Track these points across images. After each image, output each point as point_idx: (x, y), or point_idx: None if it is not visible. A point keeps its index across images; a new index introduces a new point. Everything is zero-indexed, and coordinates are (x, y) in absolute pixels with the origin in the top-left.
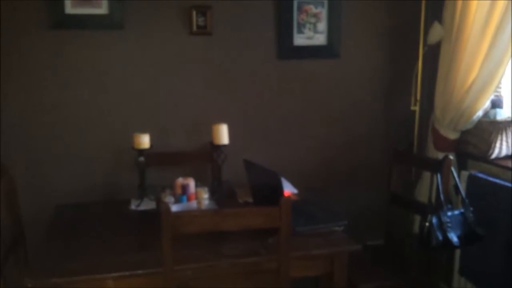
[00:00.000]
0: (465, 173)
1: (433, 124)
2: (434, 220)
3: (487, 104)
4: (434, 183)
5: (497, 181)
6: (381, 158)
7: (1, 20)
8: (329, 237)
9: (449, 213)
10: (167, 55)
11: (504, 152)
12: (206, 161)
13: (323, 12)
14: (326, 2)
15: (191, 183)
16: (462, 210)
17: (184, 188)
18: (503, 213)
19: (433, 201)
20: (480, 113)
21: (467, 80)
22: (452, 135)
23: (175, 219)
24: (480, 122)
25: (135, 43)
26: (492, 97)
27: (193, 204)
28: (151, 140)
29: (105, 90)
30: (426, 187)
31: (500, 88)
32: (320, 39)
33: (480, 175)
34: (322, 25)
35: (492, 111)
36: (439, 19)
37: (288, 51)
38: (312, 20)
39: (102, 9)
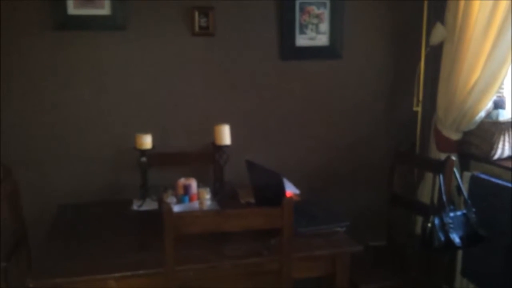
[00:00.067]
0: (467, 174)
1: (436, 124)
2: (436, 221)
3: (489, 105)
4: (436, 184)
5: (500, 182)
6: (383, 158)
7: (1, 20)
8: (331, 238)
9: (451, 214)
10: (169, 55)
11: (506, 153)
12: (208, 161)
13: (325, 13)
14: (328, 3)
15: (193, 183)
16: (464, 211)
17: (186, 188)
18: (506, 214)
19: (435, 202)
20: (482, 114)
21: (470, 81)
22: (455, 136)
23: (177, 219)
24: (482, 123)
25: (137, 44)
26: (494, 98)
27: (195, 204)
28: (152, 140)
29: (105, 90)
30: (429, 188)
31: (503, 89)
32: (322, 40)
33: (483, 176)
34: (324, 26)
35: (495, 112)
36: (442, 20)
37: (290, 52)
38: (315, 21)
39: (104, 10)
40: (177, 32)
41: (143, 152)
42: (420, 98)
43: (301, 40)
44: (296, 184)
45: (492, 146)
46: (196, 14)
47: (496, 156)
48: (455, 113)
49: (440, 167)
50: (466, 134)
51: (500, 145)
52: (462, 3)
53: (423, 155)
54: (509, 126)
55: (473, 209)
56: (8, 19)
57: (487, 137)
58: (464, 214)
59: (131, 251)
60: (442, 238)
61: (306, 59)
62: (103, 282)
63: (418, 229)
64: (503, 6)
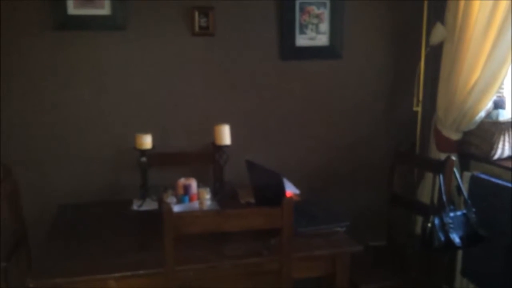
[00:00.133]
0: (467, 174)
1: (436, 124)
2: (436, 221)
3: (489, 105)
4: (436, 184)
5: (500, 182)
6: (383, 158)
7: (1, 20)
8: (331, 238)
9: (451, 214)
10: (169, 55)
11: (506, 153)
12: (208, 161)
13: (325, 13)
14: (328, 3)
15: (193, 183)
16: (464, 211)
17: (186, 188)
18: (506, 214)
19: (435, 202)
20: (482, 114)
21: (470, 81)
22: (455, 136)
23: (177, 219)
24: (482, 123)
25: (137, 44)
26: (494, 98)
27: (195, 204)
28: (152, 140)
29: (105, 90)
30: (429, 188)
31: (503, 89)
32: (322, 40)
33: (483, 176)
34: (324, 26)
35: (495, 112)
36: (442, 20)
37: (290, 52)
38: (315, 21)
39: (104, 10)
40: (177, 32)
41: (143, 152)
42: (420, 98)
43: (301, 40)
44: (296, 184)
45: (492, 146)
46: (196, 14)
47: (496, 156)
48: (455, 113)
49: (440, 167)
50: (466, 134)
51: (500, 145)
52: (462, 3)
53: (423, 155)
54: (509, 126)
55: (473, 209)
56: (8, 19)
57: (487, 137)
58: (464, 214)
59: (131, 251)
60: (442, 238)
61: (306, 59)
62: (103, 282)
63: (418, 229)
64: (503, 6)
